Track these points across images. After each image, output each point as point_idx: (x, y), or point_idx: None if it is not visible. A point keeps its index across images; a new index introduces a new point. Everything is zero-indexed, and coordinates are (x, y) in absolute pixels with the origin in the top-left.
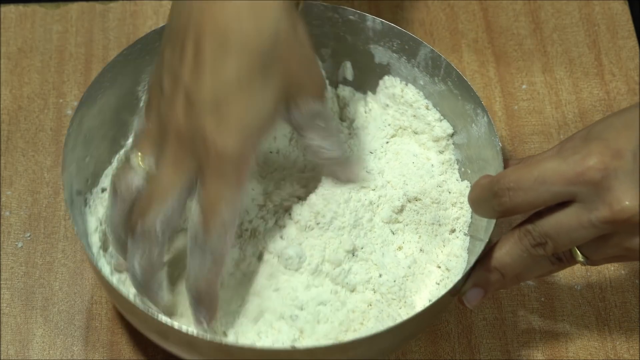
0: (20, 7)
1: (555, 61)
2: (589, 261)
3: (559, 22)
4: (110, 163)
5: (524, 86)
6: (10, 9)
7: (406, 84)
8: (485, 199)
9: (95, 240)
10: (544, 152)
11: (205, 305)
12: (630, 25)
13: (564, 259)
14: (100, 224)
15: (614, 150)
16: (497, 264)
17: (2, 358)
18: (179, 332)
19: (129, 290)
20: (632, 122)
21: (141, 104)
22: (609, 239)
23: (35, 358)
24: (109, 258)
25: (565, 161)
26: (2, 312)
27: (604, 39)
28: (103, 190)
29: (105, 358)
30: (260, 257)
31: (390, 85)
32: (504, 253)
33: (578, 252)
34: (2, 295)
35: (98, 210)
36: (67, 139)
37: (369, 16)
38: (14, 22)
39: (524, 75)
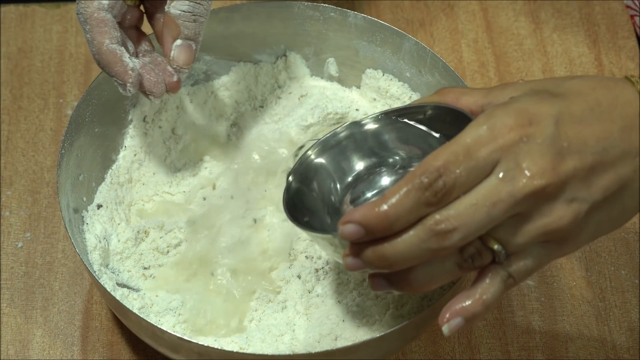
0: (20, 7)
1: (555, 61)
2: (506, 253)
3: (559, 22)
4: (103, 179)
5: None
6: (10, 9)
7: (389, 77)
8: (412, 198)
9: (95, 257)
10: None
11: (113, 70)
12: (630, 26)
13: (475, 256)
14: (100, 241)
15: (532, 114)
16: (390, 252)
17: (2, 358)
18: (188, 344)
19: (133, 305)
20: (563, 88)
21: (129, 117)
22: (525, 218)
23: (35, 358)
24: (111, 274)
25: (481, 126)
26: (2, 312)
27: (604, 39)
28: (99, 206)
29: (104, 358)
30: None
31: (373, 77)
32: (400, 246)
33: (492, 239)
34: (2, 295)
35: (96, 228)
36: (60, 159)
37: (350, 12)
38: (14, 22)
39: (524, 75)
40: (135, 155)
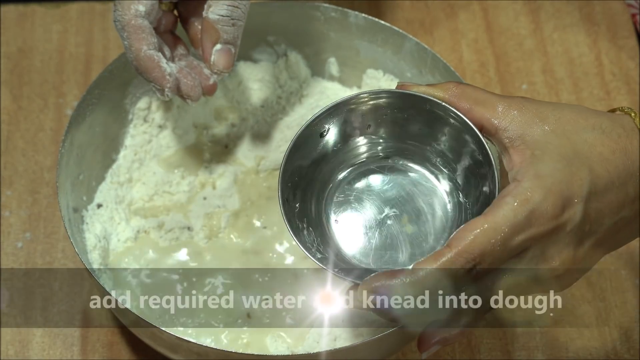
0: (20, 7)
1: (555, 61)
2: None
3: (559, 22)
4: (103, 178)
5: (524, 86)
6: (10, 9)
7: (390, 77)
8: (447, 281)
9: (95, 257)
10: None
11: (151, 75)
12: (630, 25)
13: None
14: (99, 241)
15: (566, 197)
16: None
17: (2, 358)
18: (187, 344)
19: (132, 305)
20: (587, 148)
21: (130, 116)
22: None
23: (35, 358)
24: (110, 273)
25: (519, 213)
26: (2, 312)
27: (604, 39)
28: (99, 206)
29: (104, 358)
30: None
31: (373, 77)
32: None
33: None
34: (2, 295)
35: (95, 227)
36: (60, 159)
37: (351, 12)
38: (14, 22)
39: (524, 75)
40: (135, 154)
